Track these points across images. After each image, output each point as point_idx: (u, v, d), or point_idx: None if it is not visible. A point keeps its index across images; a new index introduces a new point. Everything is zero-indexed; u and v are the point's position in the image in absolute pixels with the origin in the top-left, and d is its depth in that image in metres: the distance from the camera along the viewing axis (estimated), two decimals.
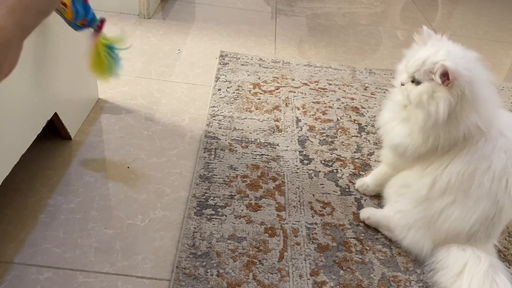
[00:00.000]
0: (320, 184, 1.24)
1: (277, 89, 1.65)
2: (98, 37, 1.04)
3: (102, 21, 1.03)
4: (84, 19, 0.99)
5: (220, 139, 1.35)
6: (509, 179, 0.94)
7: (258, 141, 1.37)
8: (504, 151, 0.94)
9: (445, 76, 0.90)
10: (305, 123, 1.48)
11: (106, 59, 1.05)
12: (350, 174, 1.29)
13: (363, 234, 1.10)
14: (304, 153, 1.35)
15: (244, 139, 1.37)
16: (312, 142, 1.40)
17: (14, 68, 0.49)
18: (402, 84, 0.99)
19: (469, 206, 0.95)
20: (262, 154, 1.32)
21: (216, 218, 1.09)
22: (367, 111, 1.59)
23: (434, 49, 0.95)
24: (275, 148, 1.35)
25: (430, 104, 0.93)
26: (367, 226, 1.13)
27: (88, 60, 1.06)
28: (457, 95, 0.90)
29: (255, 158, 1.30)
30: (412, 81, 0.97)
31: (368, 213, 1.13)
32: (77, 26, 1.01)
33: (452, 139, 0.95)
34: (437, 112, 0.92)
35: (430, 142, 0.97)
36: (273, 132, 1.42)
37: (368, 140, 1.44)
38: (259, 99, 1.57)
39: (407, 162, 1.04)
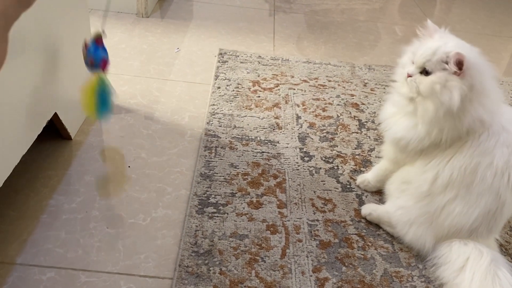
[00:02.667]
0: (321, 181, 1.24)
1: (277, 87, 1.64)
2: (97, 74, 1.04)
3: (105, 60, 1.05)
4: (92, 59, 1.03)
5: (220, 137, 1.35)
6: (511, 173, 0.94)
7: (259, 138, 1.37)
8: (507, 146, 0.94)
9: (459, 64, 0.90)
10: (305, 120, 1.48)
11: (95, 97, 1.04)
12: (351, 171, 1.29)
13: (364, 230, 1.11)
14: (304, 150, 1.35)
15: (244, 137, 1.37)
16: (312, 139, 1.40)
17: (3, 63, 0.47)
18: (409, 76, 0.99)
19: (471, 201, 0.95)
20: (263, 152, 1.32)
21: (217, 216, 1.09)
22: (367, 107, 1.59)
23: (444, 41, 0.96)
24: (276, 145, 1.35)
25: (443, 94, 0.92)
26: (369, 222, 1.13)
27: (81, 96, 1.06)
28: (469, 85, 0.91)
29: (255, 156, 1.30)
30: (421, 73, 0.97)
31: (370, 209, 1.13)
32: (88, 66, 1.05)
33: (456, 133, 0.95)
34: (451, 101, 0.92)
35: (434, 135, 0.97)
36: (273, 129, 1.42)
37: (369, 136, 1.44)
38: (259, 96, 1.57)
39: (408, 157, 1.04)
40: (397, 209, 1.06)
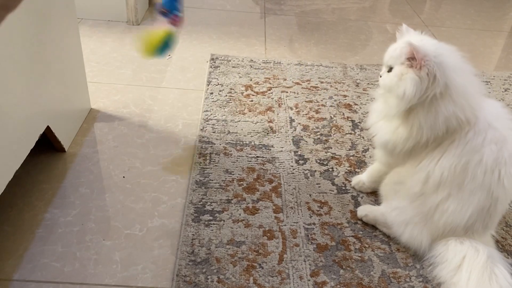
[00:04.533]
0: (317, 184, 1.24)
1: (269, 90, 1.65)
2: (166, 27, 1.16)
3: (177, 17, 1.17)
4: (165, 9, 1.15)
5: (214, 144, 1.35)
6: (501, 170, 0.94)
7: (253, 143, 1.37)
8: (495, 143, 0.94)
9: (412, 56, 0.92)
10: (299, 123, 1.48)
11: (159, 42, 1.15)
12: (345, 172, 1.29)
13: (361, 232, 1.11)
14: (299, 153, 1.35)
15: (238, 142, 1.37)
16: (306, 141, 1.40)
17: None
18: (381, 77, 1.03)
19: (464, 199, 0.96)
20: (258, 157, 1.32)
21: (214, 224, 1.09)
22: (360, 108, 1.59)
23: (408, 39, 0.98)
24: (270, 149, 1.35)
25: (399, 86, 0.95)
26: (365, 224, 1.13)
27: (144, 36, 1.15)
28: (427, 77, 0.92)
29: (250, 161, 1.30)
30: (388, 71, 1.00)
31: (366, 211, 1.13)
32: (159, 11, 1.17)
33: (435, 131, 0.96)
34: (405, 92, 0.94)
35: (415, 133, 0.98)
36: (267, 133, 1.42)
37: (362, 137, 1.44)
38: (252, 101, 1.57)
39: (398, 159, 1.05)
40: (392, 210, 1.06)
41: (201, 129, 1.41)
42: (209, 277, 0.96)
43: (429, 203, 0.99)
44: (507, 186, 0.96)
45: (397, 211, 1.05)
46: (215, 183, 1.21)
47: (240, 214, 1.12)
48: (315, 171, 1.29)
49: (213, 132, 1.40)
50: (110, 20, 2.05)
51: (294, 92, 1.65)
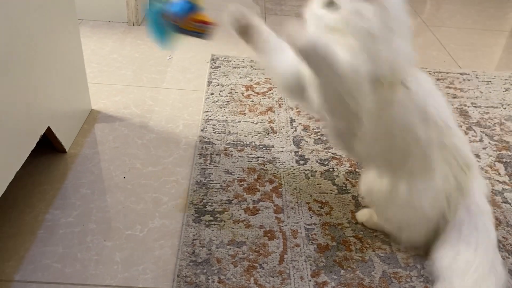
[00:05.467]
0: (317, 184, 1.24)
1: (270, 90, 1.65)
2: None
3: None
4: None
5: (215, 144, 1.35)
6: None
7: (253, 144, 1.37)
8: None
9: None
10: (300, 123, 1.48)
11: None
12: (346, 172, 1.29)
13: (362, 232, 1.11)
14: (299, 153, 1.35)
15: (239, 142, 1.37)
16: (307, 142, 1.40)
17: None
18: None
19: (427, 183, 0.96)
20: (258, 157, 1.32)
21: (214, 224, 1.09)
22: None
23: None
24: (271, 150, 1.35)
25: None
26: None
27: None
28: None
29: (251, 161, 1.30)
30: None
31: (366, 216, 1.13)
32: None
33: None
34: None
35: None
36: (268, 134, 1.42)
37: None
38: (252, 101, 1.57)
39: None
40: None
41: (201, 130, 1.41)
42: (210, 277, 0.96)
43: (400, 195, 0.99)
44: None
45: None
46: (216, 183, 1.21)
47: (240, 215, 1.12)
48: (316, 171, 1.29)
49: (213, 132, 1.40)
50: (111, 21, 2.05)
51: None
